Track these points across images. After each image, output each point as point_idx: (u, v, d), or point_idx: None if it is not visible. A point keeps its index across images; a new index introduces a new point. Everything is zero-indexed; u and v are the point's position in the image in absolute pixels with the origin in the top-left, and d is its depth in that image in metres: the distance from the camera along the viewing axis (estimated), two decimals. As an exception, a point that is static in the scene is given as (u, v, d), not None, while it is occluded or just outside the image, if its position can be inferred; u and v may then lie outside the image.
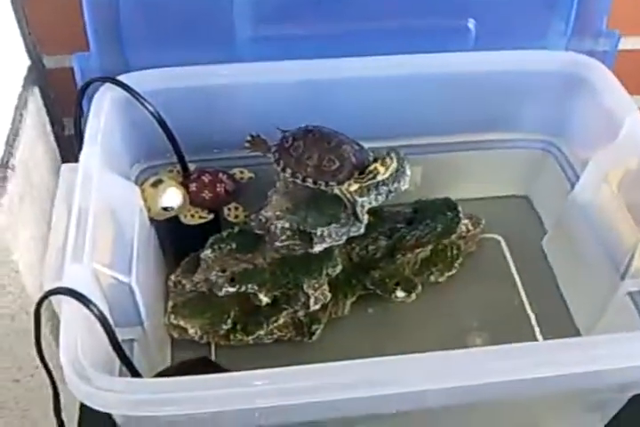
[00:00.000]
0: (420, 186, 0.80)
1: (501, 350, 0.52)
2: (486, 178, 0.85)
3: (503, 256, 0.81)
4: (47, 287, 0.54)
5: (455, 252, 0.77)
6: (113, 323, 0.56)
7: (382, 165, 0.65)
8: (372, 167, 0.65)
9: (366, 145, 0.71)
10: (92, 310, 0.50)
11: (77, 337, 0.49)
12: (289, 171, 0.66)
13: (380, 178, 0.65)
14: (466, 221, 0.78)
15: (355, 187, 0.66)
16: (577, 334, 0.74)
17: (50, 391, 0.56)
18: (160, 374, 0.60)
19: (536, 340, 0.74)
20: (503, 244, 0.82)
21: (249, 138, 0.69)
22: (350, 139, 0.68)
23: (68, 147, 0.73)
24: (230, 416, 0.48)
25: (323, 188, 0.66)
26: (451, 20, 0.76)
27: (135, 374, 0.53)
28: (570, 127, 0.79)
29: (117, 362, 0.53)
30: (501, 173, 0.85)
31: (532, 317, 0.76)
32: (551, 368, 0.51)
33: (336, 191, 0.66)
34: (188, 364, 0.64)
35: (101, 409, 0.47)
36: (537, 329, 0.75)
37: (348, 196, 0.65)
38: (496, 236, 0.83)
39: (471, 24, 0.76)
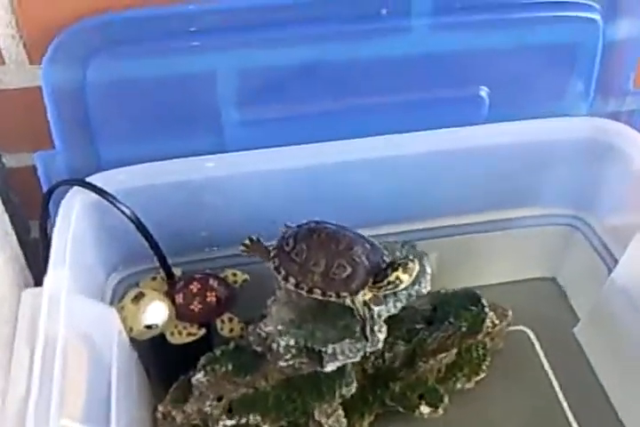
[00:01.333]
0: (435, 273, 0.72)
1: None
2: (509, 260, 0.77)
3: (534, 351, 0.73)
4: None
5: (481, 351, 0.68)
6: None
7: (405, 271, 0.55)
8: (392, 277, 0.55)
9: (374, 232, 0.63)
10: None
11: None
12: (292, 280, 0.56)
13: (402, 286, 0.56)
14: (491, 314, 0.69)
15: (369, 296, 0.57)
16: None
17: None
18: None
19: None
20: (532, 336, 0.74)
21: (246, 243, 0.60)
22: (359, 235, 0.58)
23: (36, 254, 0.64)
24: None
25: (333, 299, 0.56)
26: (461, 89, 0.69)
27: None
28: (599, 200, 0.72)
29: None
30: (526, 255, 0.78)
31: (575, 424, 0.66)
32: None
33: (348, 303, 0.56)
34: None
35: None
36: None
37: (361, 309, 0.56)
38: (524, 328, 0.74)
39: (484, 92, 0.69)
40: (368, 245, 0.57)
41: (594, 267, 0.72)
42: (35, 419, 0.43)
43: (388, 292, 0.56)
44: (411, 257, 0.56)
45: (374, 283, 0.56)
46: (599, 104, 0.72)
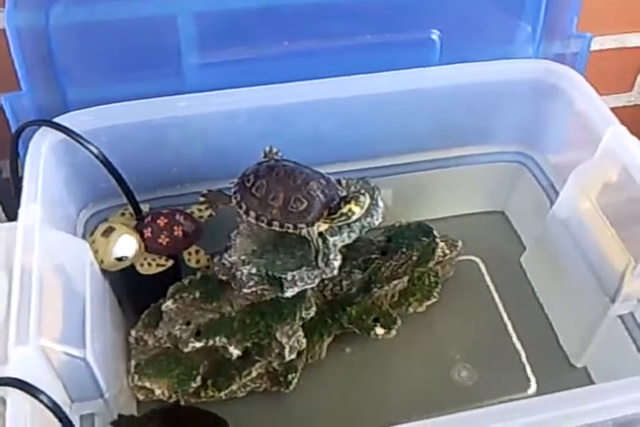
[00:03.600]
0: (390, 208, 0.76)
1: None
2: (460, 195, 0.81)
3: (482, 279, 0.77)
4: (-10, 372, 0.48)
5: (433, 279, 0.73)
6: (70, 399, 0.51)
7: (357, 204, 0.59)
8: (345, 209, 0.59)
9: (331, 170, 0.67)
10: (42, 401, 0.44)
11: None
12: (252, 214, 0.60)
13: (354, 218, 0.60)
14: (442, 245, 0.74)
15: (324, 227, 0.61)
16: (565, 359, 0.71)
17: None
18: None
19: (524, 368, 0.70)
20: (481, 265, 0.78)
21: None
22: (316, 172, 0.62)
23: (7, 193, 0.66)
24: None
25: (290, 231, 0.60)
26: (413, 32, 0.72)
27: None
28: (545, 138, 0.76)
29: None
30: (475, 189, 0.81)
31: (518, 344, 0.72)
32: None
33: (304, 234, 0.60)
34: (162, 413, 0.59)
35: None
36: (524, 357, 0.71)
37: (316, 240, 0.60)
38: (473, 257, 0.79)
39: (435, 36, 0.72)
40: (324, 181, 0.61)
41: (539, 201, 0.76)
42: (15, 339, 0.47)
43: (341, 223, 0.61)
44: (362, 191, 0.60)
45: (329, 215, 0.60)
46: (545, 47, 0.75)
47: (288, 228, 0.60)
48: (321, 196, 0.60)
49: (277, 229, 0.60)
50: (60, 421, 0.45)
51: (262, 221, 0.60)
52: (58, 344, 0.50)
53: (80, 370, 0.52)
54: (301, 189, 0.59)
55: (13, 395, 0.45)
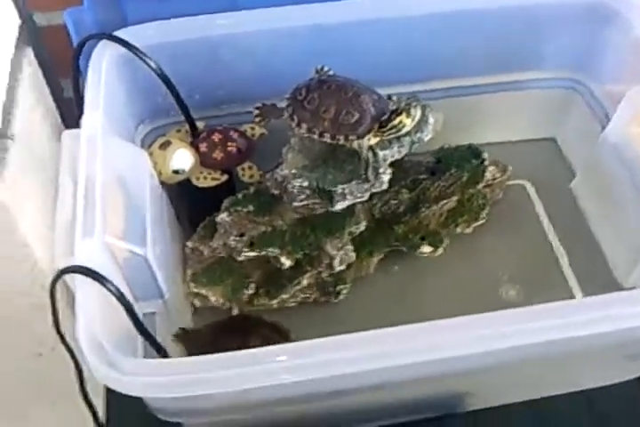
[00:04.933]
0: (441, 132, 0.76)
1: (541, 310, 0.49)
2: (510, 121, 0.81)
3: (532, 203, 0.78)
4: (59, 264, 0.51)
5: (481, 201, 0.74)
6: (132, 297, 0.54)
7: (407, 116, 0.60)
8: (396, 121, 0.60)
9: (382, 91, 0.67)
10: (108, 289, 0.47)
11: (95, 318, 0.46)
12: (304, 126, 0.61)
13: (405, 131, 0.61)
14: (492, 168, 0.74)
15: (375, 140, 0.62)
16: (613, 280, 0.71)
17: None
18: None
19: (571, 289, 0.71)
20: (531, 189, 0.79)
21: (256, 110, 0.65)
22: (367, 87, 0.63)
23: (69, 110, 0.69)
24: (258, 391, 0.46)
25: (341, 142, 0.61)
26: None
27: (159, 350, 0.51)
28: (598, 63, 0.74)
29: (140, 339, 0.51)
30: (526, 115, 0.81)
31: (566, 265, 0.73)
32: (591, 327, 0.48)
33: (354, 146, 0.62)
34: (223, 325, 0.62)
35: (130, 393, 0.45)
36: (572, 277, 0.72)
37: (366, 152, 0.61)
38: (523, 182, 0.79)
39: (488, -45, 0.70)
40: (375, 95, 0.62)
41: (591, 128, 0.75)
42: (82, 232, 0.50)
43: (392, 136, 0.62)
44: (414, 104, 0.61)
45: (379, 128, 0.61)
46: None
47: (339, 139, 0.61)
48: (372, 109, 0.61)
49: (329, 140, 0.61)
50: (125, 308, 0.48)
51: (314, 133, 0.61)
52: (121, 241, 0.53)
53: (141, 268, 0.54)
54: (352, 101, 0.60)
55: (82, 283, 0.47)
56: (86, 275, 0.47)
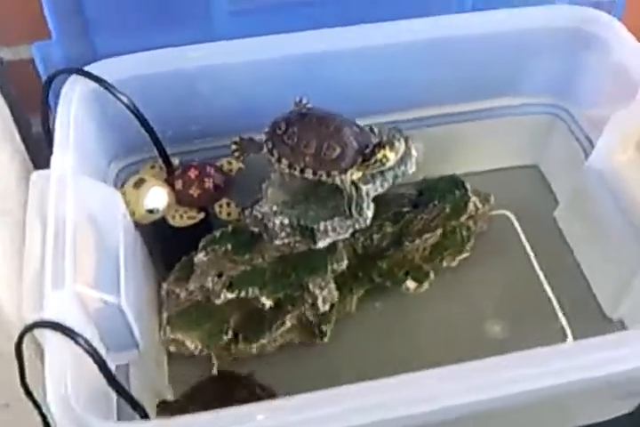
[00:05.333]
0: (421, 163, 0.75)
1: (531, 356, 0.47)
2: (491, 149, 0.79)
3: (515, 233, 0.76)
4: (27, 317, 0.48)
5: (465, 233, 0.72)
6: (105, 348, 0.51)
7: (391, 150, 0.58)
8: (379, 155, 0.58)
9: (361, 122, 0.65)
10: (80, 345, 0.44)
11: (66, 376, 0.43)
12: (285, 162, 0.59)
13: (389, 165, 0.59)
14: (474, 199, 0.72)
15: (358, 175, 0.60)
16: (600, 312, 0.70)
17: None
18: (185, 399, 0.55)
19: (557, 323, 0.69)
20: (514, 220, 0.77)
21: (234, 145, 0.63)
22: (348, 120, 0.61)
23: (37, 146, 0.66)
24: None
25: (324, 179, 0.59)
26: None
27: (136, 407, 0.48)
28: (580, 88, 0.73)
29: (114, 395, 0.48)
30: (508, 143, 0.79)
31: (553, 298, 0.71)
32: (581, 373, 0.46)
33: (337, 182, 0.60)
34: (211, 382, 0.59)
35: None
36: (558, 310, 0.70)
37: (349, 188, 0.59)
38: (506, 212, 0.78)
39: (468, -20, 0.69)
40: (356, 128, 0.60)
41: (574, 154, 0.75)
42: (52, 283, 0.47)
43: (375, 170, 0.60)
44: (397, 137, 0.59)
45: (362, 162, 0.59)
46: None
47: (321, 175, 0.59)
48: (354, 142, 0.59)
49: (310, 176, 0.59)
50: (98, 364, 0.45)
51: (295, 169, 0.59)
52: (93, 290, 0.50)
53: (115, 318, 0.52)
54: (334, 135, 0.58)
55: (52, 338, 0.45)
56: (57, 330, 0.44)
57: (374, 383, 0.44)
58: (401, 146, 0.59)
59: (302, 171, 0.59)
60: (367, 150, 0.59)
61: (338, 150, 0.58)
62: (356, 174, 0.60)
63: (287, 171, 0.60)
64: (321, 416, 0.42)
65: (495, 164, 0.81)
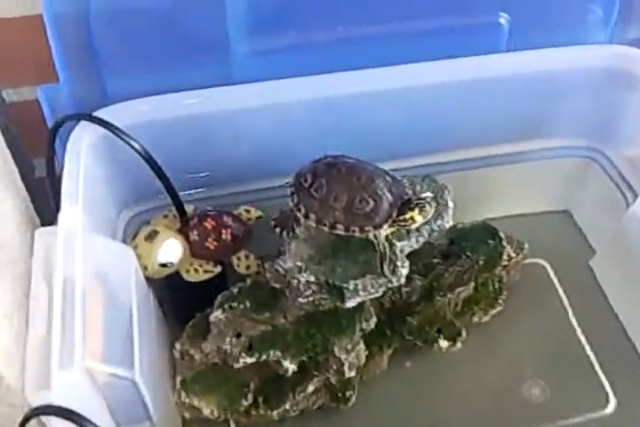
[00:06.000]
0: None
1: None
2: (522, 193, 0.76)
3: (550, 283, 0.72)
4: (31, 398, 0.43)
5: (498, 285, 0.67)
6: (115, 424, 0.46)
7: (420, 213, 0.54)
8: (407, 216, 0.54)
9: (391, 166, 0.61)
10: (90, 433, 0.39)
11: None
12: (313, 217, 0.54)
13: (414, 227, 0.55)
14: (508, 248, 0.68)
15: (389, 231, 0.55)
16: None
17: None
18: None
19: (600, 383, 0.64)
20: (549, 268, 0.73)
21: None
22: (381, 169, 0.57)
23: (40, 192, 0.61)
24: None
25: (357, 235, 0.54)
26: (479, 16, 0.65)
27: None
28: (618, 131, 0.70)
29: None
30: (539, 187, 0.76)
31: (592, 355, 0.66)
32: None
33: (371, 238, 0.55)
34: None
35: None
36: (598, 369, 0.65)
37: (382, 244, 0.55)
38: (540, 260, 0.73)
39: (503, 19, 0.66)
40: (389, 178, 0.56)
41: (611, 199, 0.71)
42: (59, 362, 0.42)
43: (401, 229, 0.55)
44: (429, 198, 0.55)
45: (397, 216, 0.54)
46: (620, 31, 0.69)
47: (354, 231, 0.54)
48: (388, 194, 0.54)
49: (342, 233, 0.54)
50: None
51: (324, 225, 0.54)
52: (105, 365, 0.45)
53: (128, 392, 0.47)
54: (366, 187, 0.54)
55: (58, 425, 0.40)
56: (64, 417, 0.39)
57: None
58: (431, 210, 0.55)
59: (333, 227, 0.54)
60: (403, 203, 0.54)
61: (371, 204, 0.53)
62: (388, 229, 0.55)
63: (315, 226, 0.55)
64: None
65: (526, 208, 0.77)
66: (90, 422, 0.39)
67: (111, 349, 0.46)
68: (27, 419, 0.40)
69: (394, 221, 0.55)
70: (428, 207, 0.54)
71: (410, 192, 0.56)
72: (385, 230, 0.55)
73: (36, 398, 0.42)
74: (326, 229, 0.54)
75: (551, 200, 0.77)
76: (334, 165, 0.55)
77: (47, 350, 0.44)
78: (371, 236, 0.55)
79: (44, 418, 0.44)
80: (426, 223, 0.56)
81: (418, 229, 0.57)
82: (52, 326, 0.44)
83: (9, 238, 0.54)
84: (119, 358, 0.46)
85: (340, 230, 0.54)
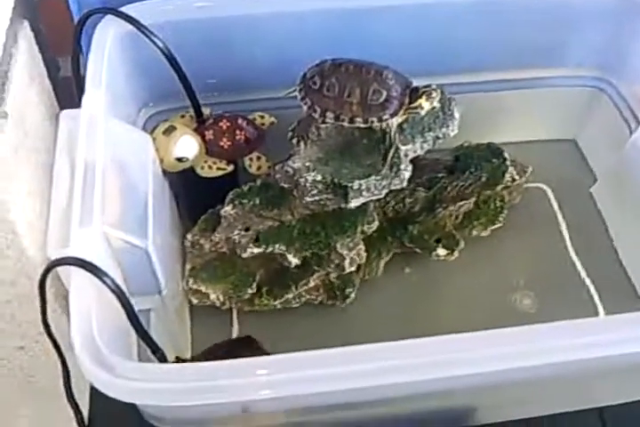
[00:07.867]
0: (459, 129, 0.72)
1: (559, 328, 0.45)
2: (530, 120, 0.77)
3: (550, 207, 0.74)
4: (52, 254, 0.47)
5: (499, 204, 0.70)
6: (128, 292, 0.50)
7: (427, 100, 0.56)
8: (416, 103, 0.56)
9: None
10: (106, 284, 0.42)
11: (91, 315, 0.42)
12: (330, 115, 0.57)
13: (422, 113, 0.57)
14: (511, 169, 0.70)
15: (401, 120, 0.58)
16: (633, 291, 0.68)
17: (56, 358, 0.50)
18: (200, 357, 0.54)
19: (588, 298, 0.67)
20: (550, 193, 0.75)
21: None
22: (381, 64, 0.58)
23: (65, 90, 0.64)
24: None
25: (375, 125, 0.57)
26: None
27: (156, 351, 0.46)
28: (628, 62, 0.71)
29: (134, 337, 0.47)
30: (547, 115, 0.77)
31: (583, 272, 0.69)
32: (612, 348, 0.45)
33: (384, 127, 0.57)
34: (228, 345, 0.58)
35: (121, 399, 0.40)
36: (590, 287, 0.68)
37: (394, 133, 0.57)
38: (542, 185, 0.75)
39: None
40: (392, 71, 0.58)
41: (616, 129, 0.72)
42: (79, 221, 0.45)
43: (409, 115, 0.58)
44: (434, 86, 0.57)
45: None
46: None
47: (372, 122, 0.56)
48: (397, 84, 0.56)
49: (361, 125, 0.57)
50: (122, 304, 0.43)
51: (343, 120, 0.57)
52: (121, 232, 0.48)
53: (141, 261, 0.50)
54: (377, 79, 0.56)
55: (77, 276, 0.43)
56: (82, 267, 0.42)
57: (387, 345, 0.42)
58: (437, 97, 0.57)
59: (352, 121, 0.57)
60: (411, 90, 0.57)
61: (384, 94, 0.56)
62: (400, 118, 0.57)
63: (333, 123, 0.57)
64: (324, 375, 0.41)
65: (532, 135, 0.78)
66: (105, 274, 0.43)
67: (127, 219, 0.50)
68: (48, 270, 0.44)
69: (405, 109, 0.57)
70: (434, 94, 0.56)
71: (412, 84, 0.58)
72: (397, 120, 0.57)
73: (57, 254, 0.45)
74: (346, 124, 0.57)
75: (558, 129, 0.79)
76: (340, 64, 0.57)
77: (68, 218, 0.47)
78: (384, 126, 0.57)
79: (62, 275, 0.48)
80: (430, 130, 0.59)
81: (423, 135, 0.59)
82: (74, 194, 0.47)
83: (34, 129, 0.57)
84: (134, 229, 0.50)
85: (359, 123, 0.57)
